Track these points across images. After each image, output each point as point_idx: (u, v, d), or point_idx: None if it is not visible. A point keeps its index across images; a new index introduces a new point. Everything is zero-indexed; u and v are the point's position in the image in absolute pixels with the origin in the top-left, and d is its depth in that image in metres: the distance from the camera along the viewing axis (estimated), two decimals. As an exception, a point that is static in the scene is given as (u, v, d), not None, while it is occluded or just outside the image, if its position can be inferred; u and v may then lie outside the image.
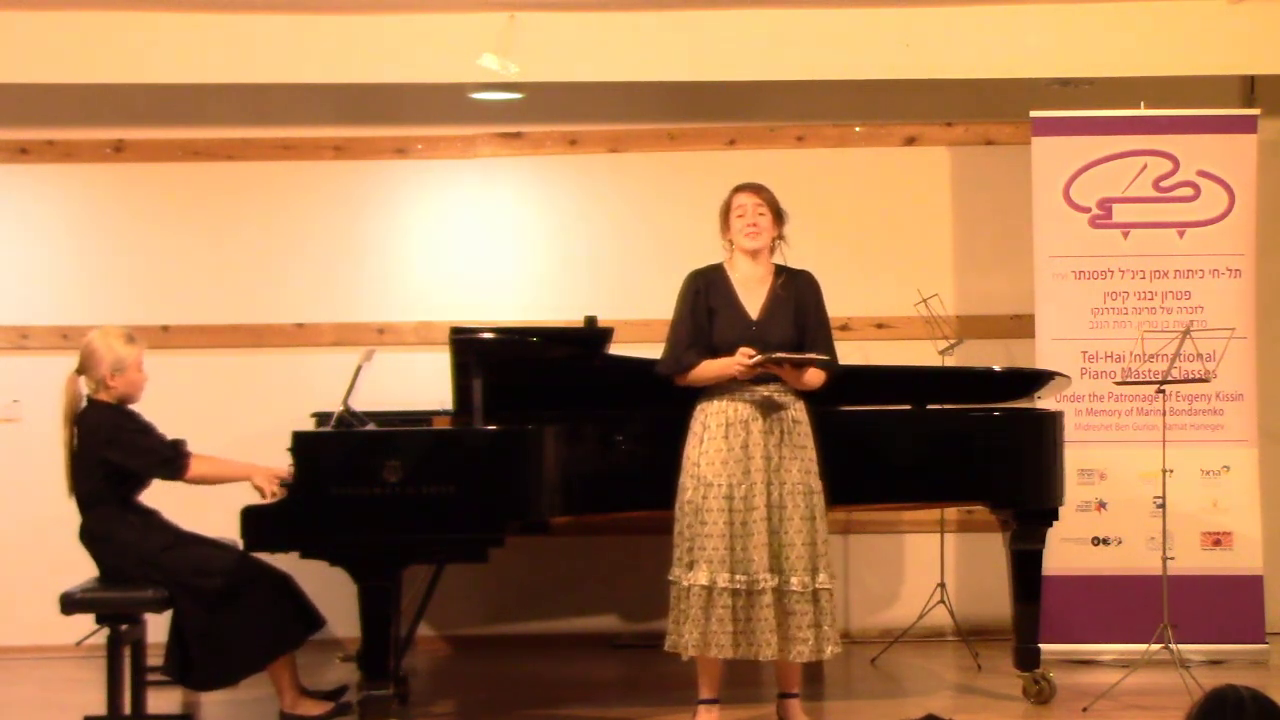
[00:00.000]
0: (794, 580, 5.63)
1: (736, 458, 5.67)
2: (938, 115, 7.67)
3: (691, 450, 5.74)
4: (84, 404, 5.95)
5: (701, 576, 5.63)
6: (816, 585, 5.66)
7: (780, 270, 5.88)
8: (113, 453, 5.83)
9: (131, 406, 6.00)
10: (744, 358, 5.64)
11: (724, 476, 5.66)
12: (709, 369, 5.74)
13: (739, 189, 5.88)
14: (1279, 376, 7.44)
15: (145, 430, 5.92)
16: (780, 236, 5.89)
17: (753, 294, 5.82)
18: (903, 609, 7.53)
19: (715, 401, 5.74)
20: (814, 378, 5.77)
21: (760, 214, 5.82)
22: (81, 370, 5.95)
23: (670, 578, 5.74)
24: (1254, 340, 7.11)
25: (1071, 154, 7.14)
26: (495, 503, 5.76)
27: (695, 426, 5.77)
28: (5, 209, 7.56)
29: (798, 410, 5.76)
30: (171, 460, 5.87)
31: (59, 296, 7.52)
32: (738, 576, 5.62)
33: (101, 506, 5.87)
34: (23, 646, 7.34)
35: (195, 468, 5.89)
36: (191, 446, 6.02)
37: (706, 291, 5.81)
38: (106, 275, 7.55)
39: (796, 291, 5.83)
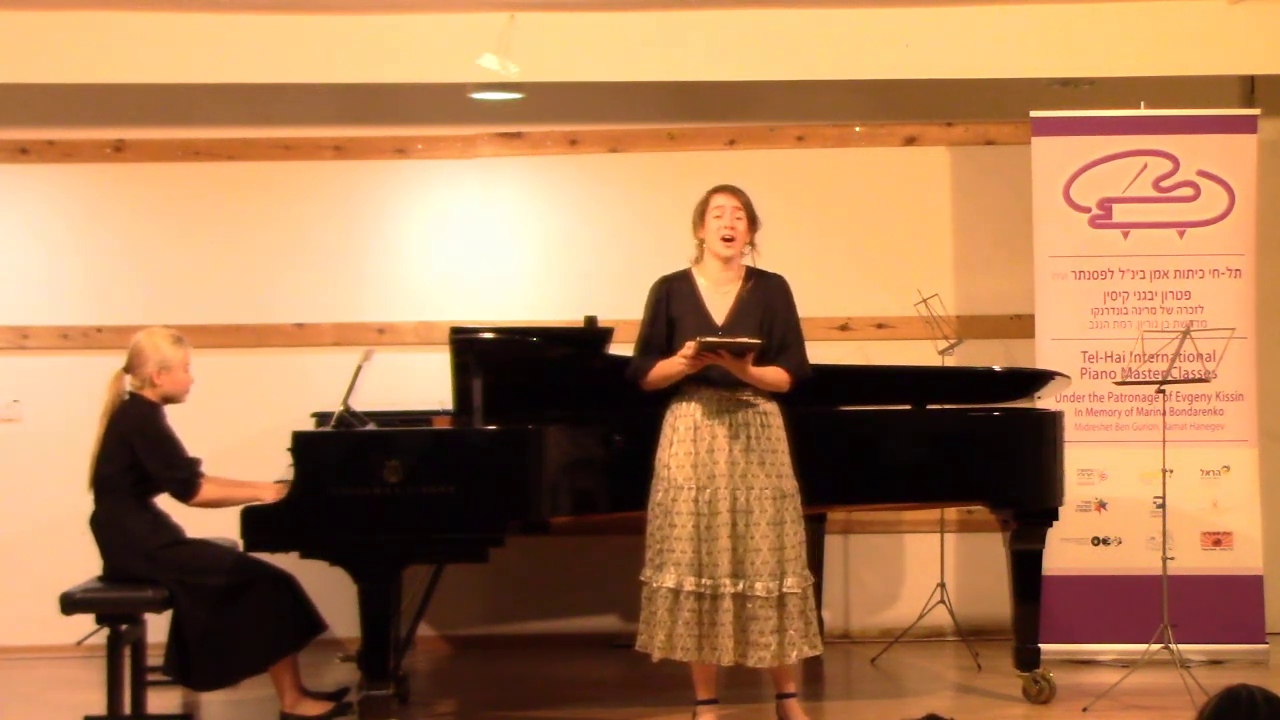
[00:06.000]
0: (759, 586, 5.60)
1: (703, 461, 5.65)
2: (938, 115, 7.67)
3: (662, 453, 5.73)
4: (126, 399, 5.98)
5: (669, 579, 5.63)
6: (784, 590, 5.63)
7: (750, 273, 5.84)
8: (137, 441, 5.86)
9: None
10: (687, 350, 5.59)
11: (692, 480, 5.65)
12: (659, 370, 5.71)
13: (717, 190, 5.82)
14: (1279, 376, 7.45)
15: (174, 441, 5.94)
16: (751, 242, 5.83)
17: (720, 299, 5.78)
18: (903, 609, 7.53)
19: (684, 404, 5.72)
20: (774, 376, 5.69)
21: (738, 218, 5.77)
22: (128, 369, 5.99)
23: (641, 578, 5.75)
24: (1254, 340, 7.11)
25: (1071, 154, 7.14)
26: (495, 503, 5.76)
27: (666, 429, 5.75)
28: (5, 209, 7.56)
29: (768, 413, 5.72)
30: (186, 481, 5.87)
31: (59, 296, 7.53)
32: (703, 580, 5.61)
33: (116, 496, 5.89)
34: (23, 646, 7.34)
35: (206, 492, 5.90)
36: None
37: (668, 300, 5.77)
38: (106, 275, 7.55)
39: (766, 294, 5.78)
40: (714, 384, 5.69)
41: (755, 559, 5.62)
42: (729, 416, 5.68)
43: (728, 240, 5.75)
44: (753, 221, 5.81)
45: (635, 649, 5.75)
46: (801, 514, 5.74)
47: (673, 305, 5.77)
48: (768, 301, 5.77)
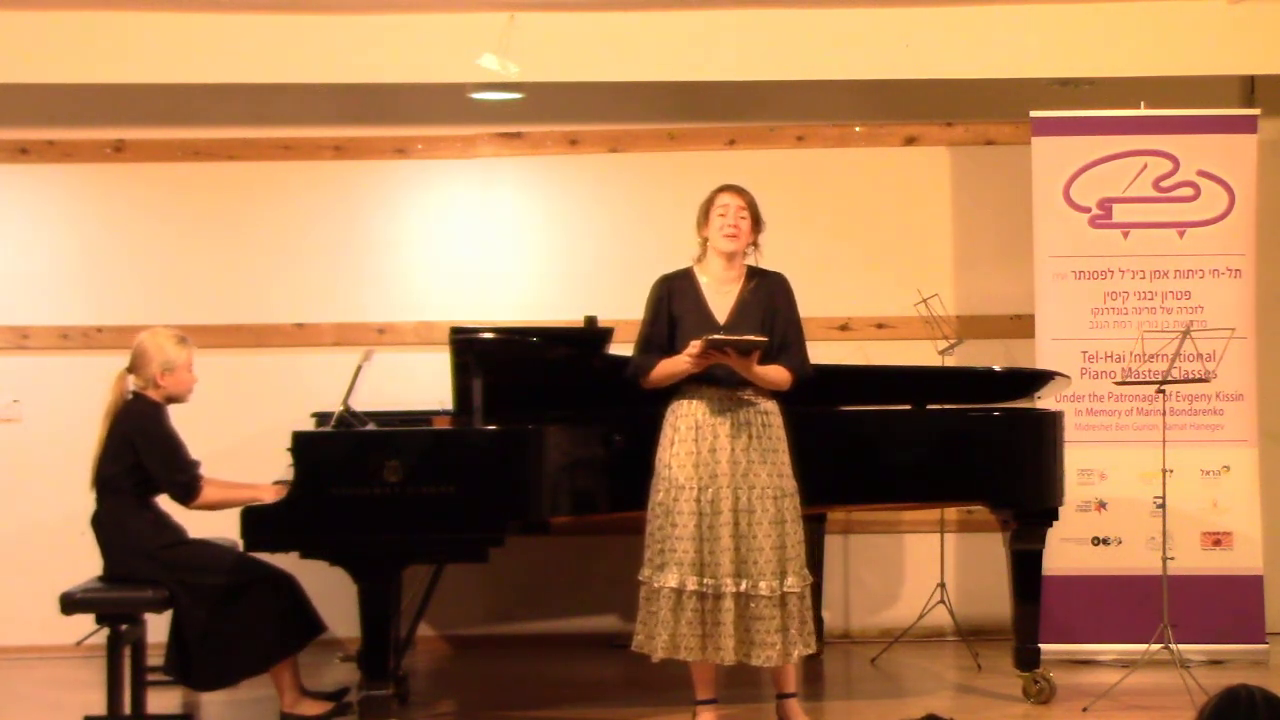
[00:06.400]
0: (762, 585, 5.60)
1: (705, 460, 5.65)
2: (938, 115, 7.67)
3: (663, 452, 5.73)
4: (129, 399, 5.98)
5: (671, 579, 5.62)
6: (785, 589, 5.63)
7: (752, 272, 5.84)
8: (140, 441, 5.86)
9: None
10: (693, 349, 5.60)
11: (694, 479, 5.64)
12: (663, 368, 5.72)
13: (723, 189, 5.83)
14: (1279, 376, 7.44)
15: (177, 443, 5.94)
16: (755, 243, 5.84)
17: (722, 297, 5.79)
18: (903, 609, 7.53)
19: (685, 403, 5.72)
20: (777, 374, 5.71)
21: (742, 217, 5.77)
22: (132, 369, 5.99)
23: (640, 578, 5.74)
24: (1254, 340, 7.11)
25: (1071, 154, 7.14)
26: (495, 503, 5.76)
27: (666, 428, 5.75)
28: (5, 209, 7.56)
29: (769, 412, 5.72)
30: (186, 485, 5.87)
31: (59, 296, 7.53)
32: (705, 580, 5.61)
33: (118, 495, 5.89)
34: (23, 646, 7.34)
35: (206, 495, 5.89)
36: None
37: (670, 298, 5.78)
38: (106, 275, 7.55)
39: (767, 294, 5.79)
40: (716, 383, 5.69)
41: (759, 558, 5.62)
42: (730, 415, 5.68)
43: (731, 238, 5.76)
44: (757, 222, 5.82)
45: (632, 649, 5.74)
46: (800, 513, 5.74)
47: (674, 303, 5.78)
48: (769, 300, 5.78)
